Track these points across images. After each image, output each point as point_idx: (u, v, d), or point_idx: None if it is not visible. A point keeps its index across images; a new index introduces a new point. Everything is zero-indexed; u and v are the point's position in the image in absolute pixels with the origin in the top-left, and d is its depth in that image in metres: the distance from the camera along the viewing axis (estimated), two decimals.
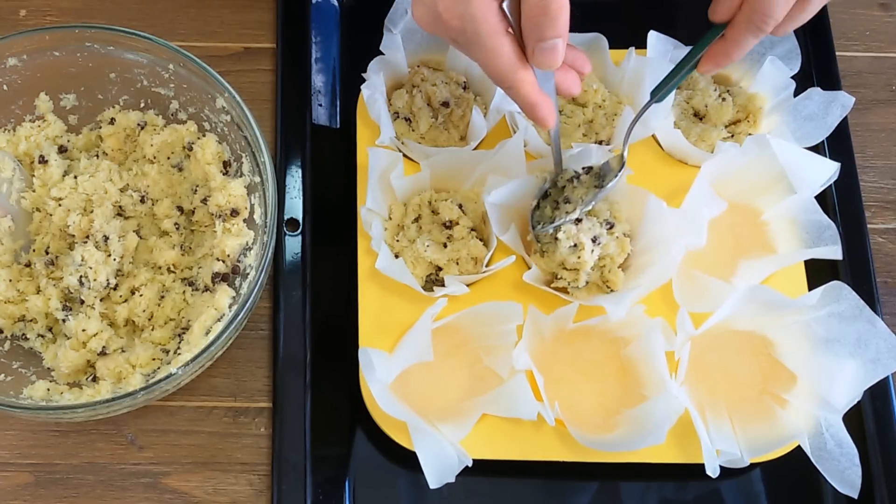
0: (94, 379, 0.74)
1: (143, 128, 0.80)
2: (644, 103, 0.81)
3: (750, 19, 0.67)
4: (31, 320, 0.76)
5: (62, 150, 0.80)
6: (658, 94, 0.73)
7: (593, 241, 0.75)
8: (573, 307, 0.76)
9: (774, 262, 0.79)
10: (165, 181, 0.79)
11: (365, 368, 0.72)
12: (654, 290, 0.76)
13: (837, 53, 0.91)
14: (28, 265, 0.78)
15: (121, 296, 0.76)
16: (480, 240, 0.80)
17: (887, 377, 0.78)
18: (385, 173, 0.79)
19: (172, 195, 0.79)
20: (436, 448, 0.72)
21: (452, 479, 0.71)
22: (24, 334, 0.76)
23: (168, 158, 0.80)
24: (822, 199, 0.81)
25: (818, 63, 0.90)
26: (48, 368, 0.75)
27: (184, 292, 0.77)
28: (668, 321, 0.75)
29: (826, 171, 0.80)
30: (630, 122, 0.76)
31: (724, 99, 0.85)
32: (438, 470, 0.71)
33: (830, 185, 0.85)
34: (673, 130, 0.82)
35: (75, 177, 0.78)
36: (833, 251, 0.78)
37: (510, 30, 0.63)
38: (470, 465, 0.72)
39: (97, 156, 0.81)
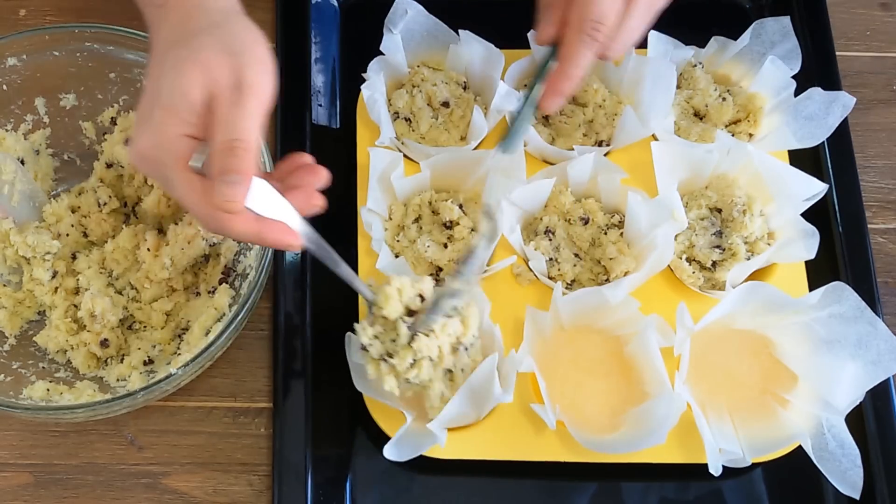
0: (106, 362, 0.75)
1: None
2: (644, 103, 0.82)
3: (581, 29, 0.63)
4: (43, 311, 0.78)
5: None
6: (507, 146, 0.69)
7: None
8: (572, 297, 0.76)
9: (749, 263, 0.79)
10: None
11: (349, 350, 0.73)
12: (652, 276, 0.77)
13: (838, 53, 0.91)
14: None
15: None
16: None
17: (888, 377, 0.77)
18: (385, 173, 0.79)
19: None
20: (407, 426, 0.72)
21: (416, 454, 0.71)
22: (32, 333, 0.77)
23: None
24: (822, 198, 0.81)
25: (819, 63, 0.90)
26: (53, 363, 0.76)
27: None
28: (665, 317, 0.75)
29: (812, 188, 0.80)
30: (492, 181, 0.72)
31: (724, 99, 0.85)
32: (403, 442, 0.71)
33: (831, 185, 0.85)
34: (671, 131, 0.82)
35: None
36: (803, 252, 0.78)
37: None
38: (443, 445, 0.71)
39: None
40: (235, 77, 0.59)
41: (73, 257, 0.79)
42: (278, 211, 0.61)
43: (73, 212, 0.80)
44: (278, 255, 0.81)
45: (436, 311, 0.69)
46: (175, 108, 0.58)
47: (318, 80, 0.88)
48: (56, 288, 0.77)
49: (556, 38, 0.65)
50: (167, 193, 0.62)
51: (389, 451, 0.70)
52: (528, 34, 0.84)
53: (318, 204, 0.64)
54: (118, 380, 0.75)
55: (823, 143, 0.85)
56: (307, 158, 0.66)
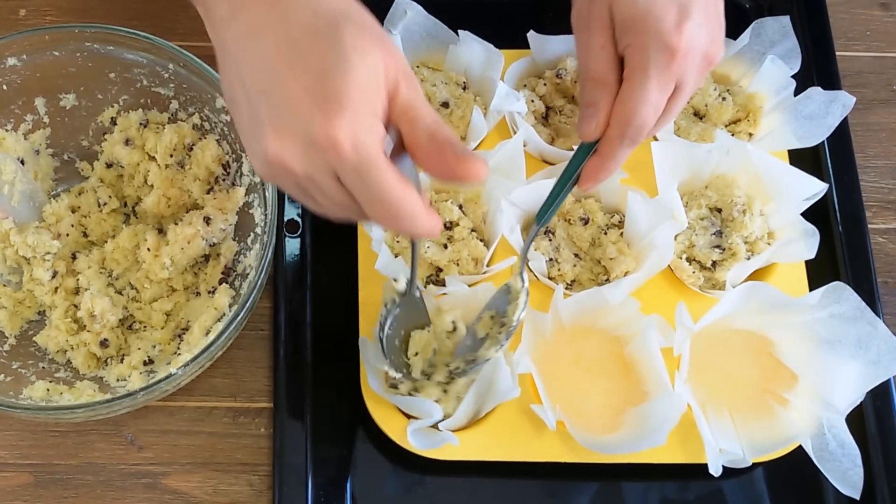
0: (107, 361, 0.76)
1: (145, 126, 0.80)
2: None
3: (624, 134, 0.65)
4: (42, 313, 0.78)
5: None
6: (542, 217, 0.71)
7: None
8: (572, 299, 0.76)
9: (749, 263, 0.79)
10: (167, 179, 0.79)
11: (364, 356, 0.73)
12: (652, 276, 0.77)
13: (838, 53, 0.91)
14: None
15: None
16: (481, 240, 0.80)
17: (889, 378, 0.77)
18: None
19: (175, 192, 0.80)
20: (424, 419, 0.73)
21: (436, 447, 0.72)
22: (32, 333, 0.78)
23: (171, 157, 0.80)
24: (822, 198, 0.81)
25: (818, 62, 0.90)
26: (53, 364, 0.76)
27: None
28: (665, 317, 0.75)
29: (812, 188, 0.79)
30: (527, 247, 0.73)
31: (723, 98, 0.85)
32: (424, 435, 0.72)
33: (831, 185, 0.85)
34: (671, 131, 0.82)
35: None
36: (803, 251, 0.78)
37: None
38: (456, 443, 0.72)
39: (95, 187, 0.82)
40: (403, 63, 0.55)
41: (73, 257, 0.79)
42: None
43: (73, 212, 0.80)
44: (278, 255, 0.81)
45: (472, 368, 0.73)
46: (370, 87, 0.52)
47: None
48: (56, 288, 0.77)
49: (599, 137, 0.67)
50: (336, 211, 0.56)
51: (412, 437, 0.71)
52: (528, 34, 0.84)
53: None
54: (118, 380, 0.74)
55: (823, 142, 0.85)
56: None
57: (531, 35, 0.84)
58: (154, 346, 0.76)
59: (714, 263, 0.80)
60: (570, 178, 0.69)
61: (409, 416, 0.74)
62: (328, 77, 0.52)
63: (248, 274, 0.75)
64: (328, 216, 0.58)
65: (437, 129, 0.54)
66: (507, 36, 0.84)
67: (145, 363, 0.75)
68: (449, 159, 0.54)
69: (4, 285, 0.77)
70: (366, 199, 0.54)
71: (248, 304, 0.69)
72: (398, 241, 0.80)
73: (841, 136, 0.86)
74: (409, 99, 0.55)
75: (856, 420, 0.76)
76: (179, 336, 0.76)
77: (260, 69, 0.53)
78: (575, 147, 0.81)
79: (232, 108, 0.57)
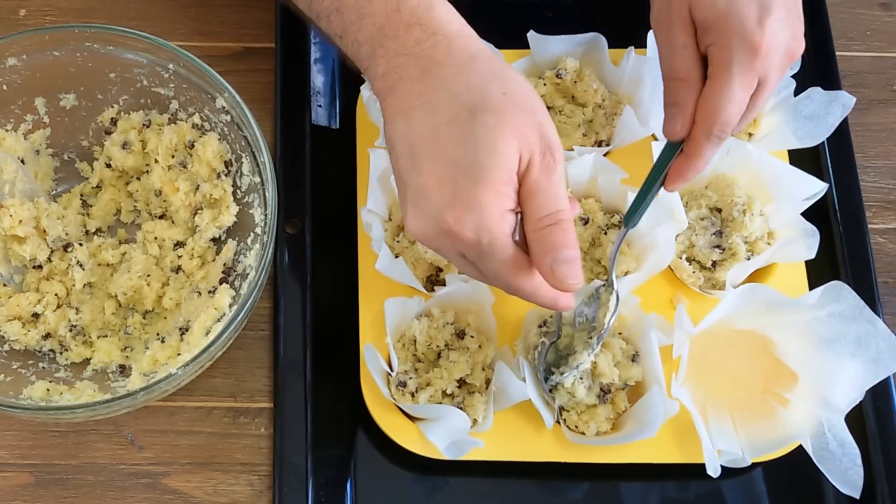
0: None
1: (147, 126, 0.81)
2: (644, 103, 0.82)
3: (710, 132, 0.65)
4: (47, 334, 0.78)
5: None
6: (631, 220, 0.71)
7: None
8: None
9: (749, 263, 0.79)
10: (170, 180, 0.79)
11: (369, 364, 0.73)
12: (652, 276, 0.77)
13: (838, 53, 0.91)
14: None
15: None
16: None
17: (888, 376, 0.77)
18: (385, 174, 0.79)
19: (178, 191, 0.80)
20: (446, 422, 0.72)
21: (465, 453, 0.71)
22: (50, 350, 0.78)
23: (172, 157, 0.80)
24: (822, 198, 0.81)
25: (818, 63, 0.90)
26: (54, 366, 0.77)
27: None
28: (665, 317, 0.76)
29: (812, 188, 0.79)
30: (615, 250, 0.73)
31: None
32: (449, 440, 0.72)
33: (831, 185, 0.85)
34: None
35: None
36: (803, 251, 0.78)
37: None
38: (482, 445, 0.71)
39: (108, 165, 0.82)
40: (542, 140, 0.58)
41: (70, 251, 0.79)
42: None
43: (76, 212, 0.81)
44: (278, 255, 0.81)
45: (567, 374, 0.73)
46: (499, 184, 0.57)
47: (317, 80, 0.88)
48: (56, 294, 0.78)
49: (686, 135, 0.67)
50: (461, 271, 0.63)
51: (446, 451, 0.71)
52: (528, 34, 0.84)
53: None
54: (117, 379, 0.75)
55: (823, 142, 0.85)
56: None
57: (531, 35, 0.84)
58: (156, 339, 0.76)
59: (714, 263, 0.80)
60: (657, 179, 0.69)
61: (412, 419, 0.74)
62: (459, 172, 0.57)
63: (248, 274, 0.75)
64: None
65: (546, 226, 0.58)
66: (507, 36, 0.84)
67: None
68: (543, 265, 0.58)
69: (5, 284, 0.77)
70: (489, 280, 0.61)
71: (248, 304, 0.69)
72: (398, 241, 0.80)
73: (841, 136, 0.86)
74: (534, 182, 0.58)
75: (856, 419, 0.76)
76: (180, 336, 0.77)
77: (405, 151, 0.59)
78: (575, 147, 0.82)
79: (391, 155, 0.61)
